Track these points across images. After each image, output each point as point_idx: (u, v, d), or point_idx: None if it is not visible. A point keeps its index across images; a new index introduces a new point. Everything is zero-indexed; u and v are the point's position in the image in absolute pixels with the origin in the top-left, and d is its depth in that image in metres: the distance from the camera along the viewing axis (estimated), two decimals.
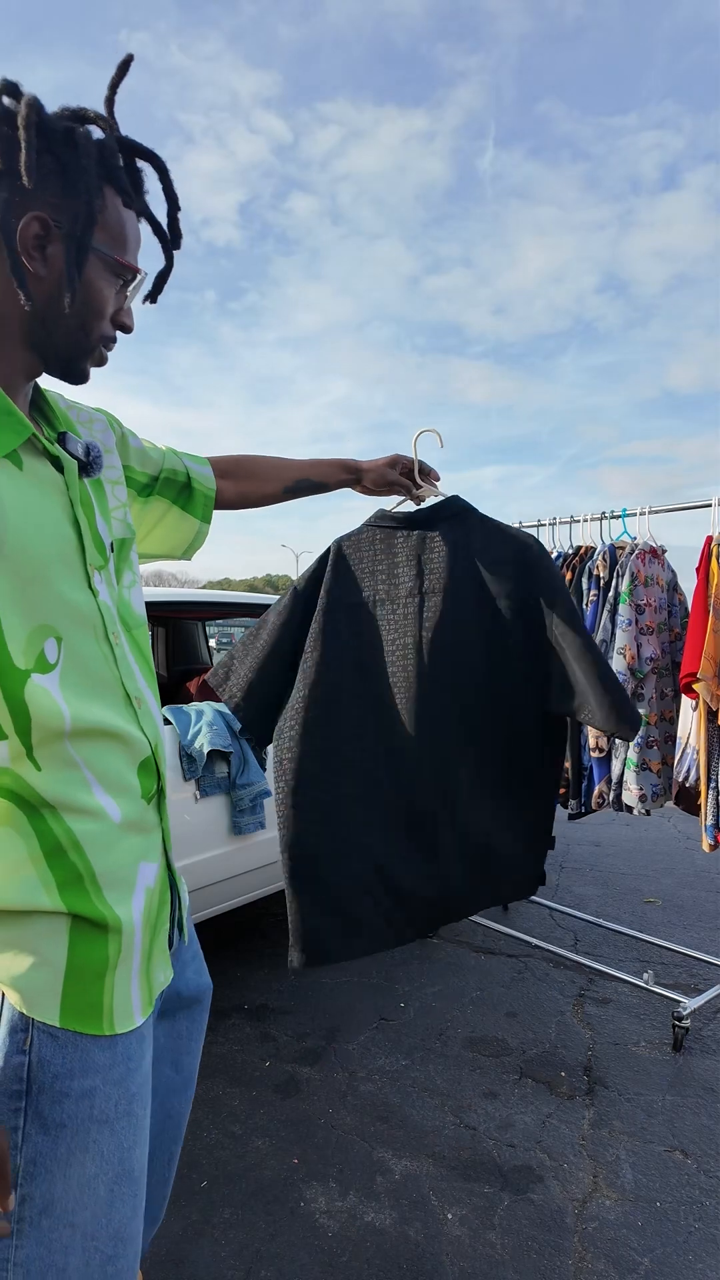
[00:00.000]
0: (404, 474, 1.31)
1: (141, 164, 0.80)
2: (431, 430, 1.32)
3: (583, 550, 2.51)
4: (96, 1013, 0.77)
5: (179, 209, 0.81)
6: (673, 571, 2.39)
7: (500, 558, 1.28)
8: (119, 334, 0.84)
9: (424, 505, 1.33)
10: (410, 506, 1.35)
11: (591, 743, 2.40)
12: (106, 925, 0.78)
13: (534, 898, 3.18)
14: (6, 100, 0.72)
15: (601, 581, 2.36)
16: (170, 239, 0.82)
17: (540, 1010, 2.37)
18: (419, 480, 1.31)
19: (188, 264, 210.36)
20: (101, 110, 0.77)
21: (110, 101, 0.76)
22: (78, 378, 0.85)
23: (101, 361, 0.85)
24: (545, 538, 2.66)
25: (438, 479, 1.33)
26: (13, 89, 0.73)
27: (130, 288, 0.82)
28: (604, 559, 2.37)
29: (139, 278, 0.82)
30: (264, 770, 2.48)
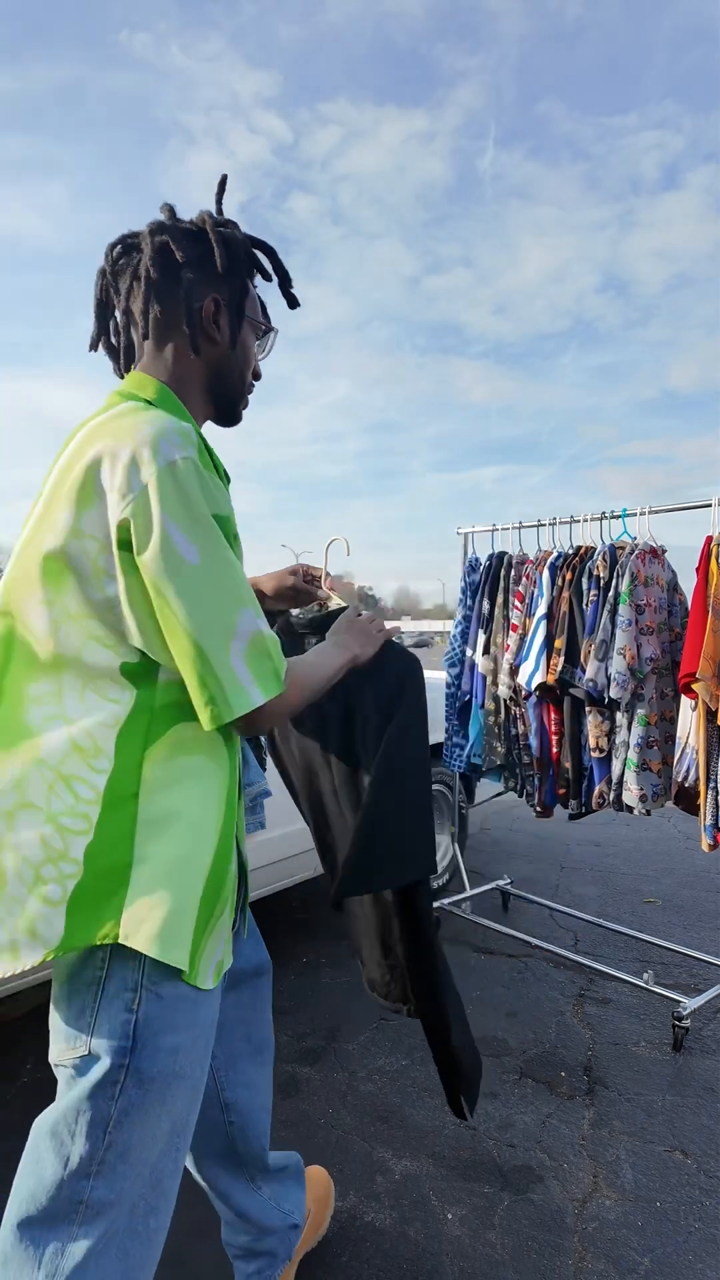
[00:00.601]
0: (307, 580, 1.36)
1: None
2: (340, 539, 1.40)
3: (583, 550, 2.51)
4: (195, 966, 0.87)
5: (291, 282, 1.09)
6: (673, 571, 2.39)
7: (384, 680, 1.22)
8: (255, 382, 1.11)
9: (326, 610, 1.36)
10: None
11: (592, 743, 2.40)
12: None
13: (535, 898, 3.19)
14: (168, 217, 1.01)
15: (601, 581, 2.36)
16: (289, 304, 1.11)
17: (540, 1010, 2.37)
18: (323, 586, 1.36)
19: None
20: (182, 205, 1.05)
21: (219, 209, 1.05)
22: (236, 420, 1.11)
23: (247, 405, 1.11)
24: (545, 538, 2.66)
25: (333, 588, 1.37)
26: (171, 210, 1.02)
27: (261, 343, 1.10)
28: (604, 559, 2.37)
29: (272, 335, 1.11)
30: (264, 771, 2.48)
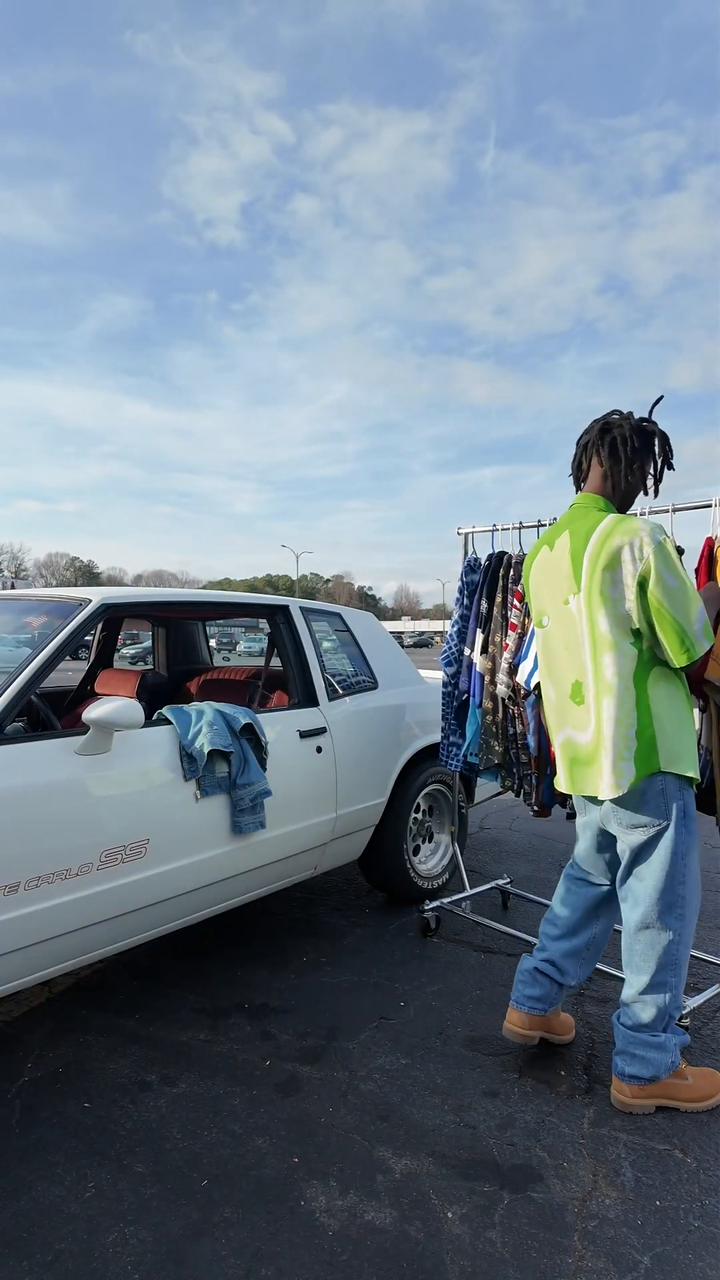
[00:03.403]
0: None
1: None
2: None
3: None
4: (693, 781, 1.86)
5: (672, 455, 1.96)
6: None
7: None
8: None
9: None
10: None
11: None
12: None
13: (534, 897, 3.19)
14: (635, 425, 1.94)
15: None
16: (667, 472, 1.98)
17: None
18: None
19: (189, 264, 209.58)
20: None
21: (650, 413, 1.97)
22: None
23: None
24: None
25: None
26: (631, 414, 1.95)
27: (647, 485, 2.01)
28: None
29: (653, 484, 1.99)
30: (264, 770, 2.48)
